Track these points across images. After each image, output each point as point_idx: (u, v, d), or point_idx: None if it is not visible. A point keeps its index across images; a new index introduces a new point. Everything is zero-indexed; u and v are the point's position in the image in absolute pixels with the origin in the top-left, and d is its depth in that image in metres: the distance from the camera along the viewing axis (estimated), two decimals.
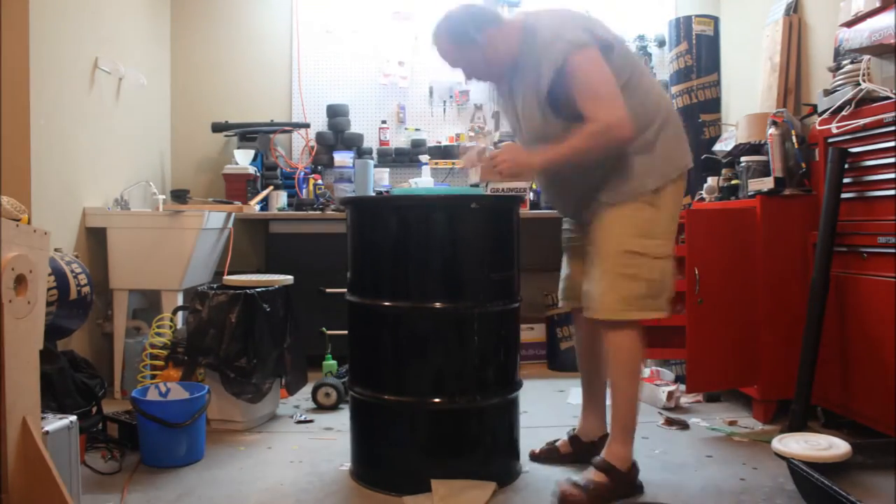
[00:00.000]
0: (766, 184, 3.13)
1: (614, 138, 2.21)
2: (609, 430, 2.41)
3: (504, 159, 2.30)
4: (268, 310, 3.03)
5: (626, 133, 2.21)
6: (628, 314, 2.29)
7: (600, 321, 2.34)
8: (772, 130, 3.17)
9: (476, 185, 2.57)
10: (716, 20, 4.10)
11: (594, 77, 2.21)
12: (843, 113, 2.82)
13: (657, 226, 2.32)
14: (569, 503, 2.25)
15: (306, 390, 3.41)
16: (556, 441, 2.69)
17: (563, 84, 2.21)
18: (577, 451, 2.61)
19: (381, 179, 4.44)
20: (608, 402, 2.43)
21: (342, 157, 4.45)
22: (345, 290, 2.57)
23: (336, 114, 4.61)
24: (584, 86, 2.20)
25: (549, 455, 2.65)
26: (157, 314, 3.47)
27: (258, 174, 4.36)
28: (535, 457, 2.66)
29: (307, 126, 4.63)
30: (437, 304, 2.36)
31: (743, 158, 3.36)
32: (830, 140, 2.92)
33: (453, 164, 4.53)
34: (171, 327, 3.37)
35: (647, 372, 3.71)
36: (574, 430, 2.69)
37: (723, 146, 3.69)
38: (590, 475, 2.31)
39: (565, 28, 2.23)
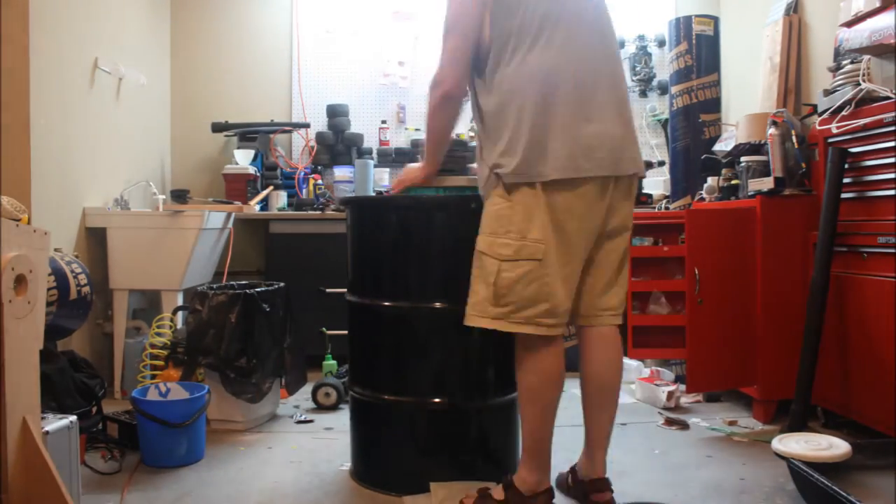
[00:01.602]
0: (766, 184, 3.13)
1: (437, 100, 2.13)
2: (603, 473, 2.22)
3: (397, 181, 2.35)
4: (267, 310, 3.03)
5: (448, 90, 2.10)
6: (488, 321, 2.05)
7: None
8: (772, 130, 3.17)
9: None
10: (716, 20, 4.10)
11: (446, 14, 2.07)
12: (843, 113, 2.82)
13: (509, 223, 2.03)
14: None
15: (306, 390, 3.41)
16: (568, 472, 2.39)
17: None
18: (574, 485, 2.32)
19: (381, 179, 4.44)
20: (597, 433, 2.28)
21: (342, 172, 4.44)
22: (345, 290, 2.57)
23: (336, 114, 4.61)
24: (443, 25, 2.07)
25: (560, 483, 2.38)
26: (157, 314, 3.48)
27: (258, 174, 4.37)
28: (556, 482, 2.35)
29: (307, 126, 4.63)
30: (437, 304, 2.35)
31: (743, 158, 3.36)
32: (830, 140, 2.92)
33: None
34: (171, 327, 3.37)
35: (646, 372, 3.72)
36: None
37: (723, 146, 3.69)
38: (495, 489, 2.17)
39: None
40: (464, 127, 4.69)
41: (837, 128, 2.85)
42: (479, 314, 2.06)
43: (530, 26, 2.02)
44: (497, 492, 2.16)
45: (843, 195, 2.81)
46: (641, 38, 4.76)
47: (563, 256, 2.03)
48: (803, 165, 3.09)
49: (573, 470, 2.33)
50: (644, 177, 2.66)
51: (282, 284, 3.22)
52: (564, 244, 2.02)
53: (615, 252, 2.17)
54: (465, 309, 2.10)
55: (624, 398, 3.55)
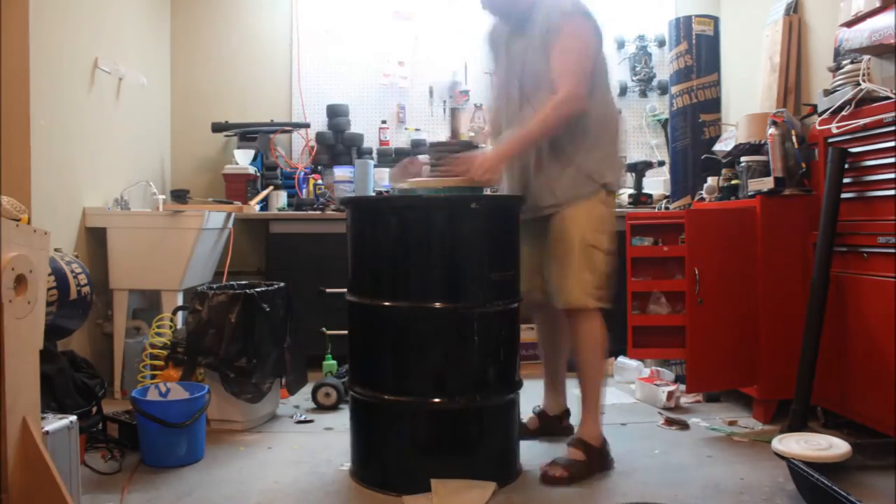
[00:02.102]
0: (766, 184, 3.13)
1: (571, 109, 2.42)
2: (581, 410, 2.64)
3: (463, 161, 2.48)
4: (267, 310, 3.03)
5: (582, 104, 2.43)
6: (595, 303, 2.52)
7: (570, 310, 2.56)
8: (772, 130, 3.17)
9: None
10: (716, 20, 4.10)
11: (577, 45, 2.45)
12: (843, 113, 2.82)
13: (608, 223, 2.59)
14: (552, 480, 2.42)
15: (306, 390, 3.41)
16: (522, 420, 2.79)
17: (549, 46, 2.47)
18: (544, 425, 2.91)
19: (381, 179, 4.44)
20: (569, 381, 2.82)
21: (342, 172, 4.43)
22: (345, 290, 2.57)
23: (336, 114, 4.61)
24: (565, 49, 2.43)
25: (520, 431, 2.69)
26: (157, 314, 3.47)
27: (258, 174, 4.36)
28: None
29: (307, 126, 4.63)
30: (437, 304, 2.36)
31: (743, 158, 3.36)
32: (830, 140, 2.92)
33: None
34: (171, 327, 3.37)
35: (646, 372, 3.71)
36: (539, 406, 2.98)
37: (723, 146, 3.69)
38: (569, 454, 2.51)
39: (580, 1, 2.51)
40: (464, 127, 4.71)
41: (837, 128, 2.85)
42: (587, 296, 2.52)
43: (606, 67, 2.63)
44: (574, 453, 2.50)
45: (843, 195, 2.81)
46: (641, 38, 4.76)
47: None
48: (803, 165, 3.09)
49: (541, 412, 2.95)
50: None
51: (282, 284, 3.22)
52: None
53: None
54: (565, 294, 2.53)
55: (624, 398, 3.56)
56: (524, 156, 2.58)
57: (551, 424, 2.92)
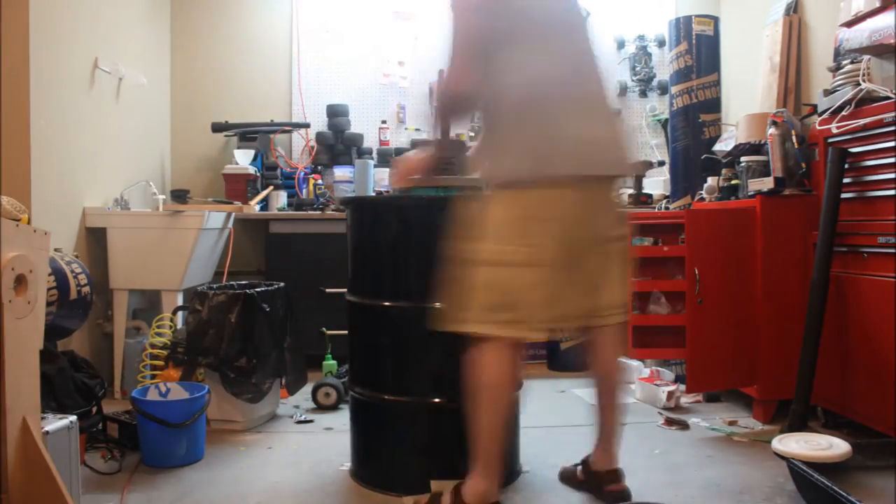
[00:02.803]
0: (766, 184, 3.13)
1: (450, 96, 2.09)
2: (616, 464, 2.28)
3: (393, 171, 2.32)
4: (267, 310, 3.03)
5: (460, 87, 2.05)
6: (467, 326, 2.05)
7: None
8: (772, 130, 3.17)
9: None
10: (716, 20, 4.10)
11: (455, 25, 2.08)
12: (843, 113, 2.82)
13: (492, 224, 2.05)
14: None
15: (306, 390, 3.41)
16: (577, 465, 2.42)
17: None
18: (586, 478, 2.35)
19: (381, 179, 4.44)
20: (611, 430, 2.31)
21: (342, 172, 4.43)
22: (345, 289, 2.57)
23: (336, 114, 4.61)
24: (451, 33, 2.09)
25: (566, 477, 2.44)
26: (157, 314, 3.48)
27: (258, 174, 4.36)
28: (560, 475, 2.48)
29: (307, 126, 4.63)
30: (438, 304, 2.35)
31: (743, 158, 3.36)
32: (830, 140, 2.92)
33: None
34: (171, 327, 3.37)
35: (646, 372, 3.71)
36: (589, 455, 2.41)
37: (723, 146, 3.68)
38: (445, 495, 2.17)
39: None
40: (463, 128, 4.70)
41: (837, 128, 2.85)
42: (457, 319, 2.09)
43: (511, 29, 2.09)
44: (446, 499, 2.16)
45: (843, 195, 2.81)
46: (641, 38, 4.77)
47: None
48: (803, 165, 3.09)
49: (584, 462, 2.37)
50: (636, 176, 2.65)
51: (282, 284, 3.22)
52: None
53: None
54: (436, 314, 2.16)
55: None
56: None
57: (592, 481, 2.33)
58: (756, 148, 3.33)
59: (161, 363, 3.17)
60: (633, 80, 4.79)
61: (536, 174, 2.01)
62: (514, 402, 2.16)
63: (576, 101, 2.07)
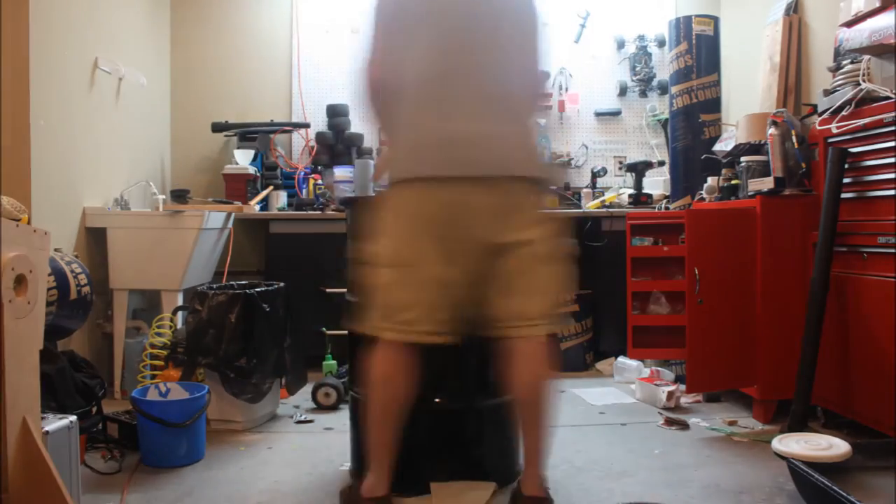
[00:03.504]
0: (766, 184, 3.13)
1: (361, 87, 2.13)
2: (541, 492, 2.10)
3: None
4: (267, 310, 3.03)
5: (363, 80, 2.10)
6: (369, 328, 2.08)
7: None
8: (772, 130, 3.17)
9: None
10: (716, 20, 4.11)
11: (368, 24, 2.11)
12: (843, 113, 2.82)
13: (381, 223, 2.09)
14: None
15: (306, 390, 3.41)
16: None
17: None
18: (513, 496, 2.18)
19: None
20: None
21: (342, 172, 4.42)
22: (345, 290, 2.56)
23: (336, 114, 4.61)
24: None
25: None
26: (157, 314, 3.48)
27: (258, 174, 4.36)
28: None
29: (307, 126, 4.63)
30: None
31: (743, 158, 3.36)
32: (830, 140, 2.92)
33: None
34: (170, 327, 3.37)
35: (647, 372, 3.72)
36: None
37: (723, 146, 3.69)
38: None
39: None
40: None
41: (837, 128, 2.85)
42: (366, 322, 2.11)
43: (402, 24, 2.07)
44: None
45: (843, 195, 2.81)
46: (641, 38, 4.76)
47: None
48: (803, 165, 3.09)
49: (518, 481, 2.18)
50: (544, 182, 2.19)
51: (282, 284, 3.22)
52: None
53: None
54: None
55: (624, 398, 3.56)
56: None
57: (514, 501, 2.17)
58: (756, 148, 3.34)
59: (161, 363, 3.17)
60: (633, 80, 4.79)
61: (408, 173, 2.02)
62: (402, 401, 2.06)
63: (457, 99, 2.00)
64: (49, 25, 3.13)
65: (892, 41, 2.65)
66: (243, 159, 4.32)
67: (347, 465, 2.58)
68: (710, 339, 3.07)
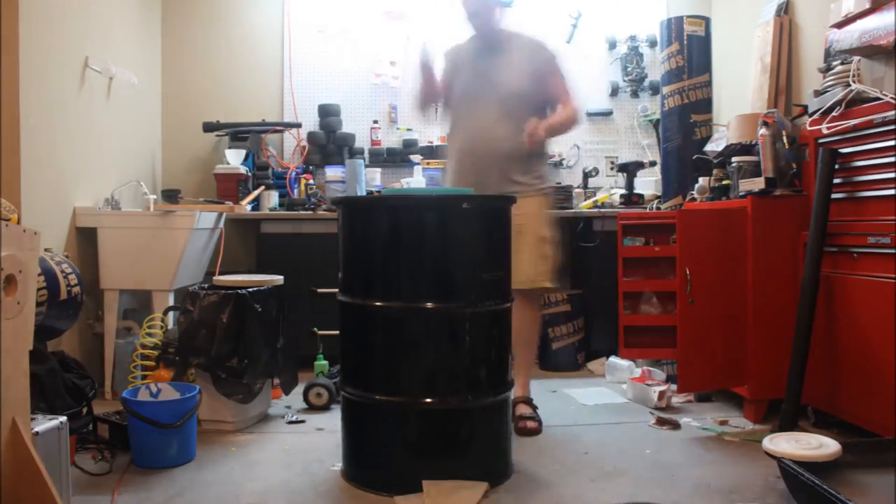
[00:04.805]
0: (757, 184, 3.14)
1: (578, 120, 3.16)
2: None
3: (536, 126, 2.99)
4: (259, 310, 3.02)
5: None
6: (549, 283, 3.07)
7: (532, 290, 3.05)
8: (763, 131, 3.18)
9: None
10: (707, 21, 4.12)
11: (568, 78, 3.19)
12: (834, 114, 2.84)
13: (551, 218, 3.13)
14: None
15: (298, 390, 3.41)
16: None
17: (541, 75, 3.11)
18: None
19: (372, 179, 4.44)
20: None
21: (334, 172, 4.42)
22: (336, 290, 2.56)
23: (328, 113, 4.60)
24: (564, 80, 3.16)
25: None
26: (148, 314, 3.46)
27: (249, 174, 4.35)
28: None
29: (299, 126, 4.62)
30: (429, 304, 2.35)
31: (734, 159, 3.37)
32: (821, 141, 2.93)
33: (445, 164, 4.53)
34: (161, 327, 3.36)
35: (638, 372, 3.72)
36: None
37: (714, 146, 3.70)
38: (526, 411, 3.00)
39: (546, 45, 3.22)
40: None
41: (828, 128, 2.86)
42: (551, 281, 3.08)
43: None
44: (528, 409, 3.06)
45: (834, 195, 2.82)
46: (633, 38, 4.78)
47: None
48: (794, 166, 3.10)
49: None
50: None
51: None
52: None
53: None
54: (539, 277, 3.02)
55: (615, 398, 3.56)
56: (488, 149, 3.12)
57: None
58: (747, 148, 3.35)
59: (152, 363, 3.16)
60: (624, 81, 4.80)
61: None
62: None
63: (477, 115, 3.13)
64: (39, 24, 3.11)
65: (882, 42, 2.66)
66: (234, 159, 4.31)
67: (339, 466, 2.57)
68: (701, 339, 3.08)
